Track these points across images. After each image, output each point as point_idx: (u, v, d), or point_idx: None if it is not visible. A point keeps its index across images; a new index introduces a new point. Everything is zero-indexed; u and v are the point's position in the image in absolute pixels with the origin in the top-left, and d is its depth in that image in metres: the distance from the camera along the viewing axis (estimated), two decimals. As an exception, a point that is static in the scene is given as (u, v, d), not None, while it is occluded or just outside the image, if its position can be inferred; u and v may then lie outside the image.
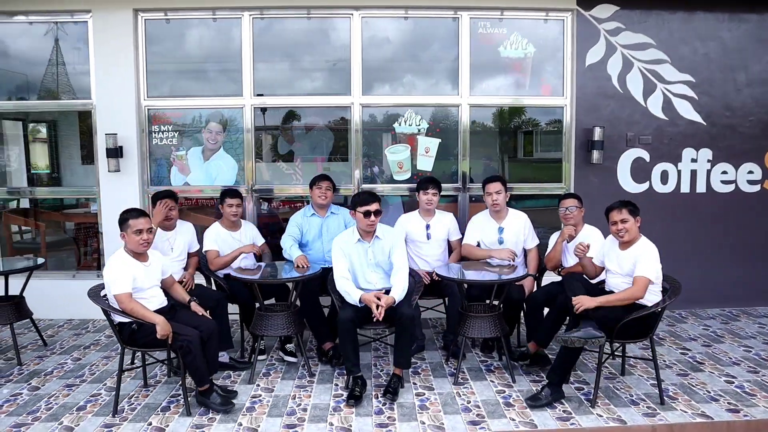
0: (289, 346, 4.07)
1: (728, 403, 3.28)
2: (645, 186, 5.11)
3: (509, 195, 4.25)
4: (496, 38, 5.04)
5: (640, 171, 5.09)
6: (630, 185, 5.09)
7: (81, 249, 5.55)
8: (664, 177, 5.11)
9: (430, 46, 5.14)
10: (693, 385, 3.54)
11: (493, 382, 3.63)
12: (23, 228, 5.62)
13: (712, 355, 4.07)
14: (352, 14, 4.95)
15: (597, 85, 5.00)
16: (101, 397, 3.42)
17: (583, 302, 3.17)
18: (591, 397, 3.30)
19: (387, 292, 3.58)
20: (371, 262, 3.69)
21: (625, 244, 3.33)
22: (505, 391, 3.48)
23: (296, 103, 5.15)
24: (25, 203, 5.62)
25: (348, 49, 4.98)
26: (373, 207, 3.58)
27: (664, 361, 3.96)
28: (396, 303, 3.44)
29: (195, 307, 3.46)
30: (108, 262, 3.17)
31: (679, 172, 5.11)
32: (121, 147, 4.87)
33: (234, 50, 4.99)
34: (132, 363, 3.85)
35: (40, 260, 4.31)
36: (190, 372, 3.22)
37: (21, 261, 4.48)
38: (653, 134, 5.06)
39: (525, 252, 4.24)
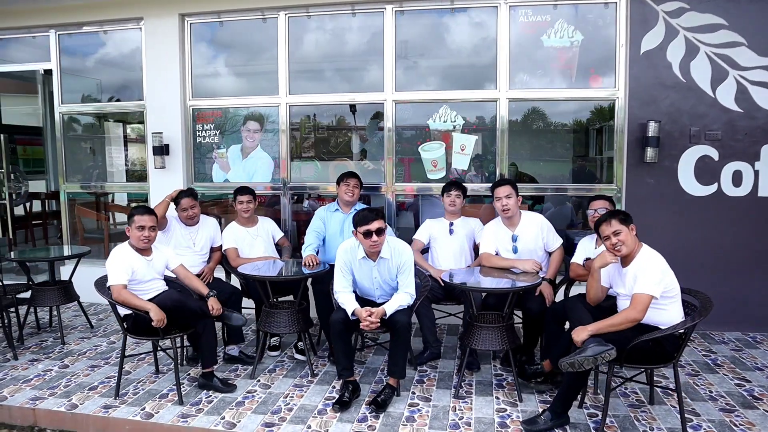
0: (300, 344, 4.07)
1: (774, 450, 2.74)
2: (712, 188, 4.43)
3: (521, 199, 3.90)
4: (538, 27, 4.66)
5: (707, 171, 4.42)
6: (693, 187, 4.44)
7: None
8: (737, 178, 4.39)
9: (465, 38, 4.86)
10: (736, 425, 2.98)
11: (498, 398, 3.34)
12: (94, 219, 6.17)
13: (776, 390, 3.44)
14: (384, 8, 4.83)
15: (654, 74, 4.42)
16: (114, 380, 3.62)
17: (575, 337, 2.80)
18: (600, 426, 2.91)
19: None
20: (376, 280, 3.49)
21: (625, 260, 2.89)
22: (506, 410, 3.18)
23: (328, 101, 5.11)
24: (122, 198, 6.15)
25: (381, 44, 4.87)
26: (374, 226, 3.26)
27: (710, 391, 3.40)
28: (387, 315, 3.27)
29: (212, 301, 3.48)
30: (111, 252, 3.35)
31: (756, 172, 4.36)
32: (167, 145, 5.19)
33: (272, 50, 5.07)
34: (158, 349, 4.04)
35: (86, 248, 4.70)
36: (192, 306, 3.34)
37: (75, 249, 4.88)
38: (723, 129, 4.37)
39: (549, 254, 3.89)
